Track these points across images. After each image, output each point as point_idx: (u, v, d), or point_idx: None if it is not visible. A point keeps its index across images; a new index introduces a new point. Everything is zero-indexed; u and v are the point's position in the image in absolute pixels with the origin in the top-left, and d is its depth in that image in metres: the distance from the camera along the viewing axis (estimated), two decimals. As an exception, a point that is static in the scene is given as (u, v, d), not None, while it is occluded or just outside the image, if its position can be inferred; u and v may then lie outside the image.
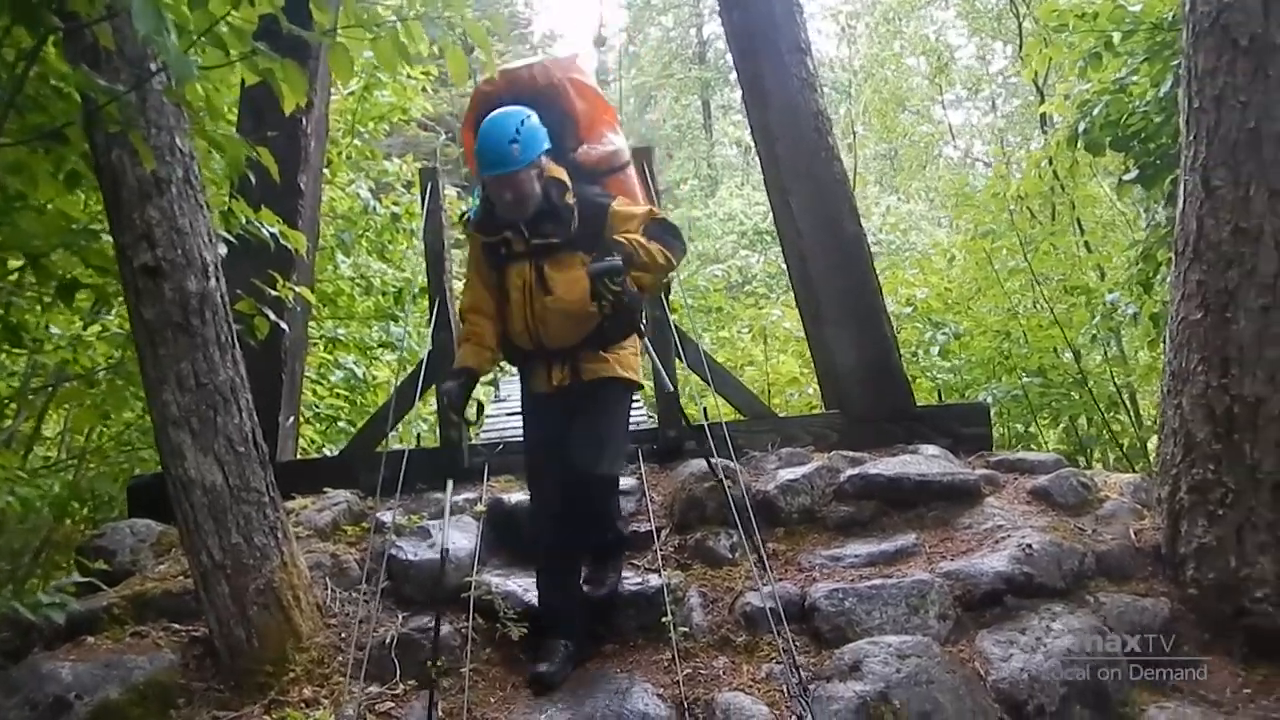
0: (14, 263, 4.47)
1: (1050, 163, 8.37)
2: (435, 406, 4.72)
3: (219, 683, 3.69)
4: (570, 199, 3.73)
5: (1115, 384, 8.18)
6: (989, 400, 7.56)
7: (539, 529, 3.98)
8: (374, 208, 9.08)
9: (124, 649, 3.76)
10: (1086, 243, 9.31)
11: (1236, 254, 3.90)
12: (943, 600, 3.85)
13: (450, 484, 3.81)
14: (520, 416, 4.17)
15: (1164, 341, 4.53)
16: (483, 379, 4.10)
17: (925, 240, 17.07)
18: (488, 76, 4.08)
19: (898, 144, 20.32)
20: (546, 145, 3.73)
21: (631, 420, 4.38)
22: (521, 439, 4.20)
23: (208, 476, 3.71)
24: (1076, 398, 8.13)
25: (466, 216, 4.21)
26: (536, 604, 4.01)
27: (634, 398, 4.13)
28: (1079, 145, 6.57)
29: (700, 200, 24.94)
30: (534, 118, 3.71)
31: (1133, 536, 4.38)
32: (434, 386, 5.08)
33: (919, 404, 6.09)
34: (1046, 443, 8.72)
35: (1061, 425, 8.80)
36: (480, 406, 3.96)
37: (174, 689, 3.62)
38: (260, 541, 3.78)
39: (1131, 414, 8.41)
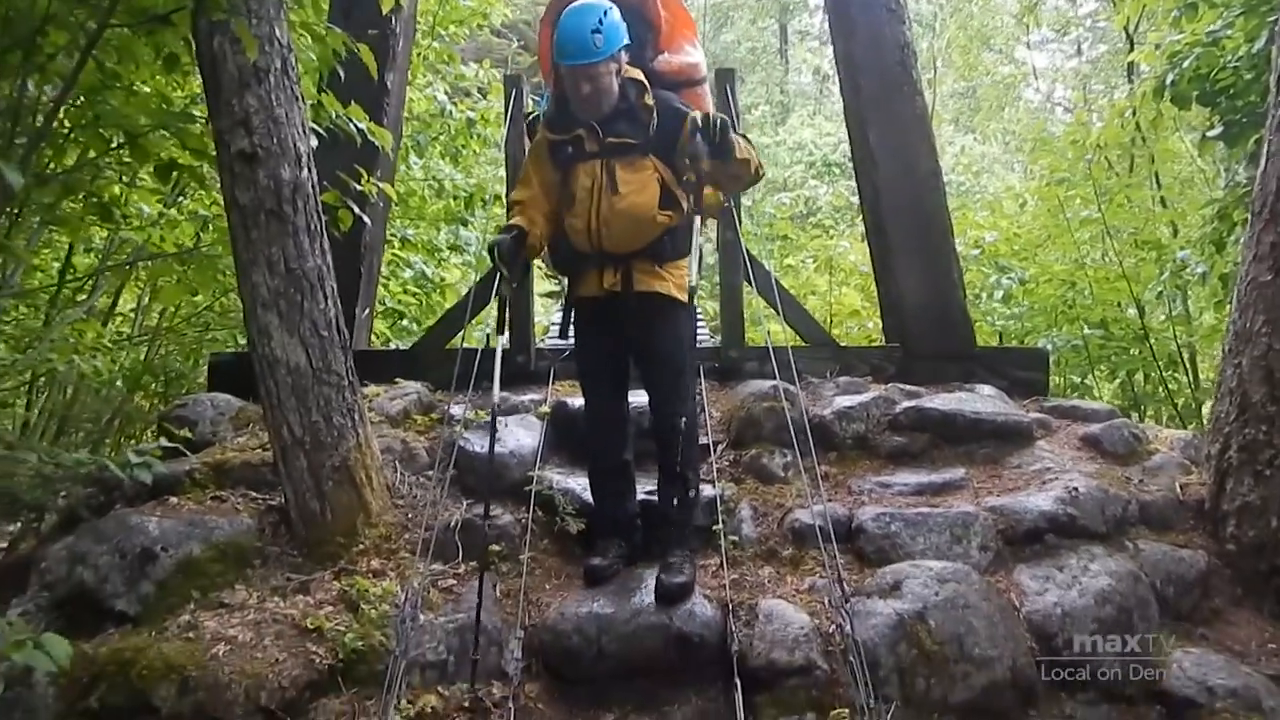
0: (94, 141, 4.63)
1: (1134, 113, 8.23)
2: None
3: (292, 549, 3.93)
4: (649, 100, 3.71)
5: (1177, 342, 8.13)
6: (1048, 347, 7.57)
7: (591, 437, 4.09)
8: (450, 111, 9.16)
9: (205, 510, 4.01)
10: (1163, 198, 9.15)
11: (1312, 218, 3.90)
12: (985, 533, 3.97)
13: (502, 339, 3.77)
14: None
15: (1230, 301, 4.53)
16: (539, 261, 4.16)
17: (998, 184, 16.79)
18: None
19: (978, 83, 19.86)
20: (626, 41, 3.69)
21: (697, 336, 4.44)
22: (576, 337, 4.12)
23: (292, 357, 3.90)
24: (1136, 353, 8.11)
25: (534, 116, 4.21)
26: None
27: (697, 315, 4.16)
28: (1165, 97, 6.46)
29: (771, 127, 24.63)
30: (615, 12, 3.65)
31: (1178, 490, 4.45)
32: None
33: (979, 345, 6.14)
34: (1101, 395, 8.71)
35: (1118, 380, 8.78)
36: (528, 266, 3.96)
37: (251, 550, 3.86)
38: (338, 421, 3.98)
39: (1190, 374, 8.37)
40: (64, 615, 3.56)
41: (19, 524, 5.03)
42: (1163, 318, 8.35)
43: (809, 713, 3.27)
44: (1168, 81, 6.37)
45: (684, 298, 3.86)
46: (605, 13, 3.60)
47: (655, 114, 3.69)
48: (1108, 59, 20.32)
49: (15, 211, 4.24)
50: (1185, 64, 6.15)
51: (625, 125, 3.68)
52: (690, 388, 4.02)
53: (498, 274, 3.74)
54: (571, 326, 4.10)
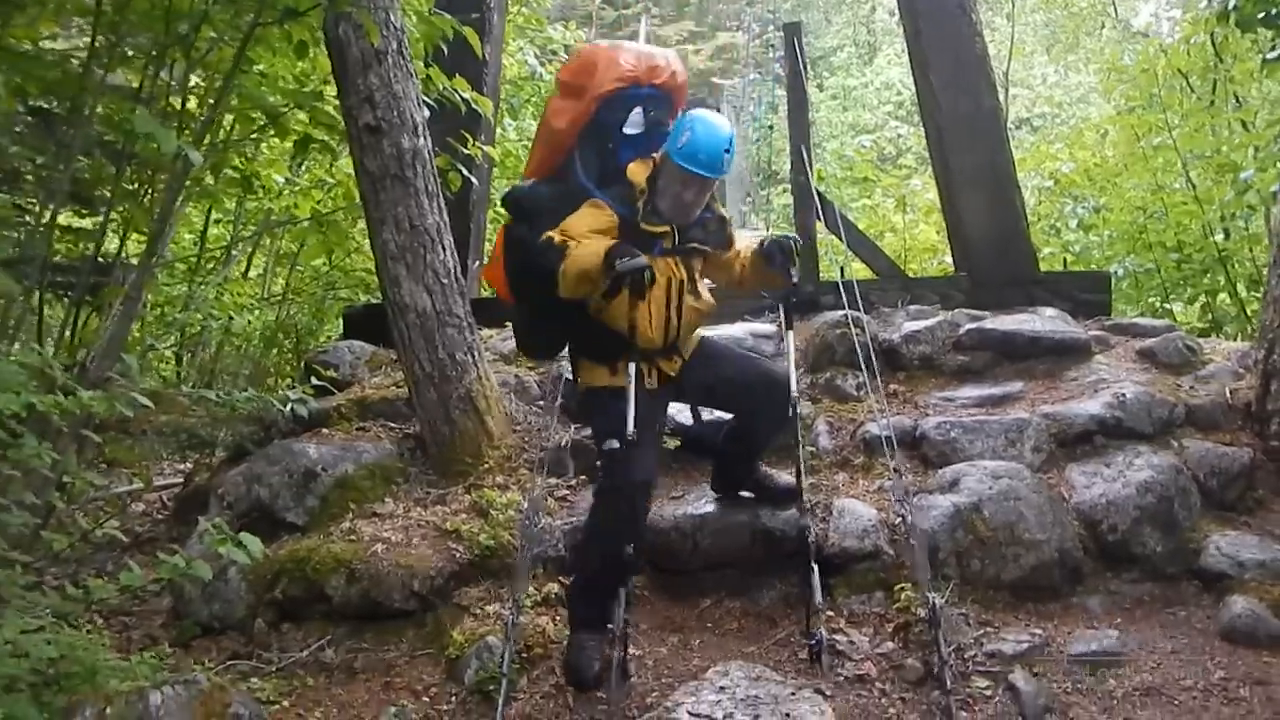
0: (242, 121, 5.25)
1: (1211, 37, 8.30)
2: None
3: (428, 469, 4.58)
4: (723, 210, 3.94)
5: (1255, 262, 8.24)
6: (1119, 272, 7.79)
7: (614, 534, 3.48)
8: (539, 74, 9.65)
9: (353, 438, 4.68)
10: (1243, 120, 9.16)
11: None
12: (1039, 436, 4.40)
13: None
14: None
15: (1276, 213, 4.80)
16: None
17: (1094, 113, 16.54)
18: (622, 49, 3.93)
19: (1056, 13, 19.46)
20: None
21: None
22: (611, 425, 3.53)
23: (419, 302, 4.50)
24: (1216, 276, 8.25)
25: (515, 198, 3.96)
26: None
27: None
28: (1230, 20, 6.59)
29: (857, 68, 24.51)
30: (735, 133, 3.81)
31: (1228, 394, 4.77)
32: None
33: (1043, 270, 6.46)
34: (1179, 318, 8.87)
35: (1199, 302, 8.92)
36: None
37: (394, 471, 4.53)
38: (460, 358, 4.58)
39: (1270, 293, 8.46)
40: (245, 526, 4.22)
41: (190, 463, 5.80)
42: (1240, 238, 8.44)
43: (877, 591, 3.82)
44: (1230, 5, 6.49)
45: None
46: (733, 135, 3.71)
47: (727, 226, 3.89)
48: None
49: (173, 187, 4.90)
50: (1245, -15, 6.26)
51: (699, 230, 3.77)
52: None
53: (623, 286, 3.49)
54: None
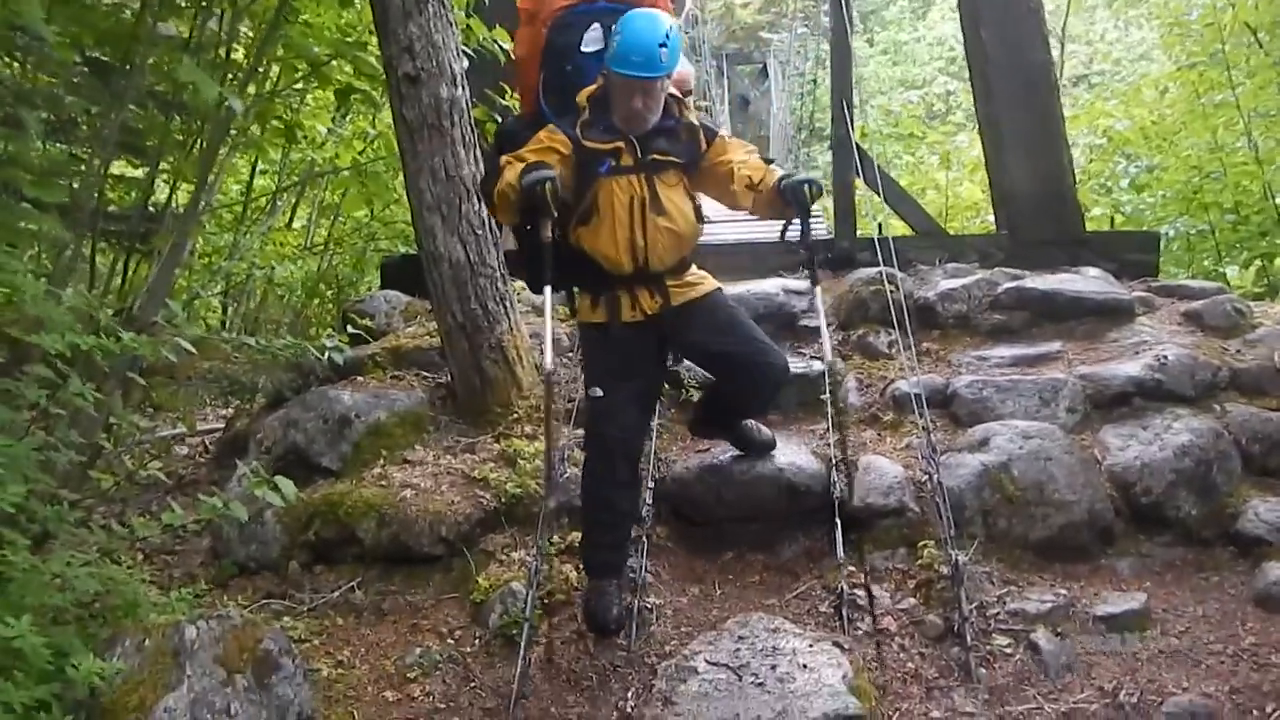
0: (287, 71, 5.28)
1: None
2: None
3: (458, 417, 4.62)
4: (693, 117, 3.60)
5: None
6: (1170, 233, 7.61)
7: (606, 471, 3.51)
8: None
9: (387, 386, 4.74)
10: (1312, 77, 8.83)
11: None
12: (1074, 397, 4.33)
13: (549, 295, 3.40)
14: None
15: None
16: None
17: (1156, 71, 16.06)
18: None
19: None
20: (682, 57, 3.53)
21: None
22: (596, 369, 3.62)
23: (453, 253, 4.52)
24: (1275, 240, 8.03)
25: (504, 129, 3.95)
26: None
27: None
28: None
29: (909, 23, 24.03)
30: (677, 27, 3.50)
31: (1276, 360, 4.64)
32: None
33: (1089, 230, 6.33)
34: (1236, 281, 8.64)
35: (1254, 266, 8.68)
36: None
37: (425, 418, 4.58)
38: (492, 308, 4.60)
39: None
40: (281, 470, 4.30)
41: (231, 408, 5.92)
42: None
43: (901, 548, 3.80)
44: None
45: (717, 285, 3.76)
46: (671, 27, 3.42)
47: (701, 132, 3.59)
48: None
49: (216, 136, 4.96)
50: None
51: (664, 141, 3.50)
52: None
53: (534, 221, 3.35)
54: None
